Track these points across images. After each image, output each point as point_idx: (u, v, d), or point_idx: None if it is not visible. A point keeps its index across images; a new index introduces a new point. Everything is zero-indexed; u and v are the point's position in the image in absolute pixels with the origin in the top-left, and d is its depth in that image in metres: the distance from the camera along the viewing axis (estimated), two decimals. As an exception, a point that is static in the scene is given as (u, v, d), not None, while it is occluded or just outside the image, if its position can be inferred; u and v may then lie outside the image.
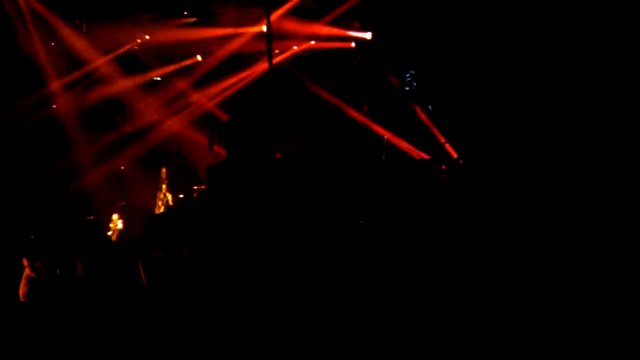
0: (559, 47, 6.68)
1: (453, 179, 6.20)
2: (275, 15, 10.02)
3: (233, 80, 10.92)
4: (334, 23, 10.71)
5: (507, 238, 4.80)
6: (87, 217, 9.58)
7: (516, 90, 7.02)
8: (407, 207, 5.58)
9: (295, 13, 10.42)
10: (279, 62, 10.61)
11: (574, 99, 6.48)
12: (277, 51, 10.75)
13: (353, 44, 10.86)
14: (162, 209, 10.28)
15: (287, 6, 10.31)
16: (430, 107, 9.61)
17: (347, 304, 4.83)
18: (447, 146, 8.66)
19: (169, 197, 10.40)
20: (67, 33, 9.79)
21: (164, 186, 10.49)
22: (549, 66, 6.71)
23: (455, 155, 8.23)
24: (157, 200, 10.42)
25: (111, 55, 10.26)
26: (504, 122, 7.01)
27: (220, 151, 8.96)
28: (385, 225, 5.75)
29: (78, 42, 9.92)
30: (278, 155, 7.38)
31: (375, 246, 5.52)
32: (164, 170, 10.81)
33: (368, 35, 10.56)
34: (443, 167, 6.47)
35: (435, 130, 9.24)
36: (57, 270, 6.80)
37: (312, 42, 10.94)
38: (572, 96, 6.43)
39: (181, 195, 10.38)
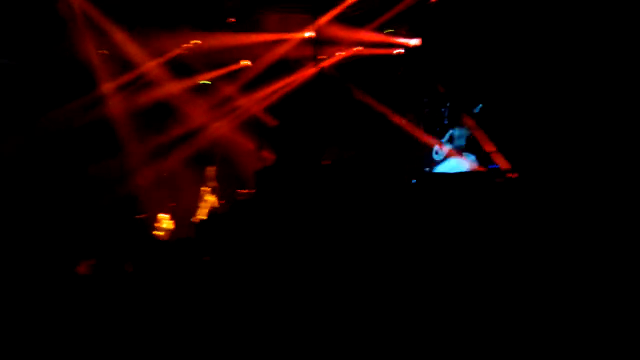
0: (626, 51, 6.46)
1: (507, 192, 6.07)
2: (321, 21, 10.09)
3: (280, 85, 11.02)
4: (380, 29, 10.70)
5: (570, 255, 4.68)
6: (138, 217, 9.80)
7: (579, 96, 6.81)
8: (458, 220, 5.49)
9: (341, 19, 10.46)
10: (326, 68, 10.65)
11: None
12: (323, 57, 10.79)
13: (400, 51, 10.80)
14: (204, 211, 10.41)
15: (334, 12, 10.36)
16: (477, 108, 9.41)
17: (398, 312, 4.79)
18: (498, 156, 8.49)
19: (212, 199, 10.54)
20: (119, 37, 10.06)
21: (206, 189, 10.64)
22: (617, 71, 6.49)
23: (508, 166, 8.06)
24: (200, 202, 10.57)
25: (161, 59, 10.50)
26: (563, 131, 6.82)
27: (268, 156, 9.05)
28: (433, 236, 5.68)
29: (130, 46, 10.19)
30: (325, 162, 7.41)
31: (422, 258, 5.46)
32: (208, 172, 10.97)
33: (416, 42, 10.47)
34: (498, 180, 6.34)
35: (486, 139, 9.08)
36: (108, 269, 6.97)
37: (359, 48, 10.94)
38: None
39: (221, 200, 10.47)
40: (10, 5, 9.11)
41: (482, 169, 8.56)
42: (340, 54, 10.99)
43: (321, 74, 8.49)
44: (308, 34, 10.57)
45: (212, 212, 9.89)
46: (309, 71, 10.72)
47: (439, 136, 9.95)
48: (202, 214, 10.30)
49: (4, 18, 9.12)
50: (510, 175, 6.85)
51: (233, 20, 10.44)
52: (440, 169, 9.82)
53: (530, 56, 7.72)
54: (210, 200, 10.43)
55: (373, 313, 4.76)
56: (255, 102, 11.03)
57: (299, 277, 5.53)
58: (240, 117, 11.09)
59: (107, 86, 10.25)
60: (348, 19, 10.50)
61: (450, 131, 9.84)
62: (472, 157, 9.29)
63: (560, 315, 4.13)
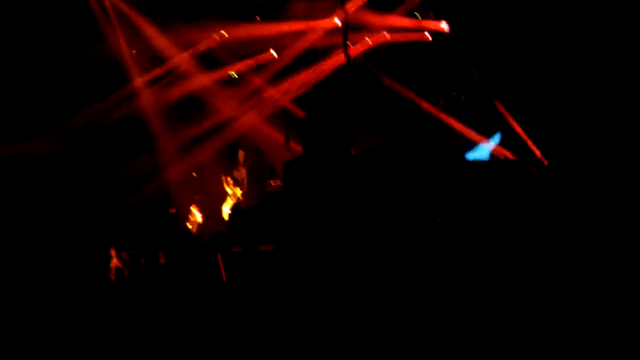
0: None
1: (539, 182, 5.90)
2: (349, 8, 9.93)
3: (308, 75, 10.94)
4: (408, 14, 10.48)
5: (597, 246, 4.54)
6: (169, 210, 9.95)
7: (610, 86, 6.59)
8: (488, 210, 5.38)
9: (368, 5, 10.29)
10: (354, 56, 10.52)
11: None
12: (350, 44, 10.64)
13: (429, 36, 10.59)
14: (230, 202, 10.44)
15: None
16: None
17: (428, 302, 4.74)
18: (531, 144, 8.25)
19: (238, 192, 10.56)
20: (149, 31, 10.16)
21: (230, 179, 10.68)
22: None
23: (539, 155, 7.83)
24: (228, 195, 10.61)
25: (190, 52, 10.56)
26: (595, 119, 6.61)
27: (297, 147, 9.02)
28: (463, 228, 5.57)
29: (160, 40, 10.28)
30: (353, 152, 7.33)
31: (452, 248, 5.37)
32: (236, 164, 11.04)
33: (444, 26, 10.24)
34: (534, 169, 6.16)
35: (518, 128, 8.83)
36: (141, 261, 7.10)
37: (387, 35, 10.76)
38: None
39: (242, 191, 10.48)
40: (45, 7, 9.32)
41: (513, 157, 8.36)
42: (368, 41, 10.84)
43: (350, 62, 8.38)
44: (336, 20, 10.45)
45: (236, 204, 9.93)
46: (337, 60, 10.61)
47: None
48: (227, 207, 10.35)
49: (40, 20, 9.35)
50: (542, 164, 6.67)
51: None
52: (473, 155, 9.62)
53: (563, 46, 7.50)
54: (235, 192, 10.47)
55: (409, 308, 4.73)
56: (284, 93, 11.00)
57: (330, 266, 5.52)
58: (268, 109, 11.09)
59: (139, 81, 10.38)
60: (375, 4, 10.33)
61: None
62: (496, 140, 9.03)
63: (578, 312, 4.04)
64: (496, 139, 9.30)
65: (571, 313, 4.07)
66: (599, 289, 4.16)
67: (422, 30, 10.57)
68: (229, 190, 10.50)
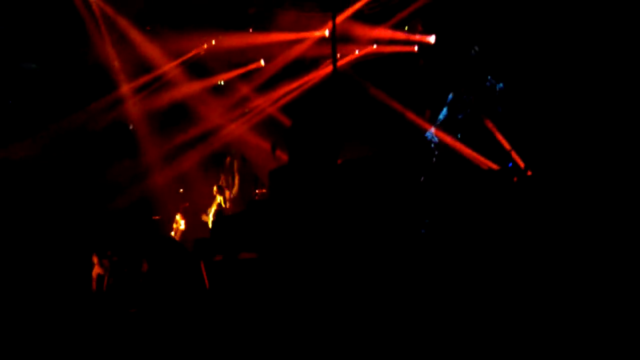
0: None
1: (522, 191, 5.96)
2: (338, 20, 10.01)
3: (295, 84, 11.00)
4: (396, 27, 10.61)
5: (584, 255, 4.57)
6: (153, 217, 9.89)
7: (595, 93, 6.68)
8: (473, 220, 5.40)
9: (357, 17, 10.39)
10: (341, 67, 10.60)
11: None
12: (338, 55, 10.73)
13: (416, 48, 10.70)
14: (213, 209, 10.40)
15: (350, 10, 10.30)
16: (499, 108, 9.25)
17: (413, 310, 4.73)
18: (514, 154, 8.33)
19: (220, 198, 10.54)
20: (137, 38, 10.15)
21: (215, 188, 10.65)
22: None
23: (522, 165, 7.91)
24: (212, 203, 10.58)
25: (178, 60, 10.56)
26: (580, 128, 6.68)
27: (283, 156, 9.03)
28: (449, 237, 5.59)
29: (148, 47, 10.28)
30: (339, 161, 7.33)
31: (437, 256, 5.38)
32: (221, 173, 11.02)
33: (432, 39, 10.38)
34: (515, 179, 6.22)
35: (501, 137, 8.93)
36: (124, 268, 7.03)
37: (374, 46, 10.87)
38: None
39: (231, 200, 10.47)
40: (35, 12, 9.30)
41: (495, 167, 8.43)
42: (356, 53, 10.94)
43: (337, 73, 8.43)
44: (324, 32, 10.53)
45: (219, 211, 9.89)
46: (325, 70, 10.69)
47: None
48: (211, 214, 10.32)
49: (30, 25, 9.32)
50: (525, 173, 6.72)
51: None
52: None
53: (546, 53, 7.60)
54: (219, 200, 10.45)
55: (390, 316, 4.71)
56: (271, 102, 11.03)
57: (314, 273, 5.50)
58: (255, 118, 11.11)
59: (125, 87, 10.35)
60: (364, 17, 10.44)
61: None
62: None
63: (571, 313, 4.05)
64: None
65: (558, 317, 4.09)
66: (584, 300, 4.18)
67: (410, 43, 10.70)
68: (216, 198, 10.48)
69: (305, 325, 4.85)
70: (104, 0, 9.71)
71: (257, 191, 9.98)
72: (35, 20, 9.34)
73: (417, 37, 10.59)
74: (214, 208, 10.27)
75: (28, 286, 6.36)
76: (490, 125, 9.16)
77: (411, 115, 10.29)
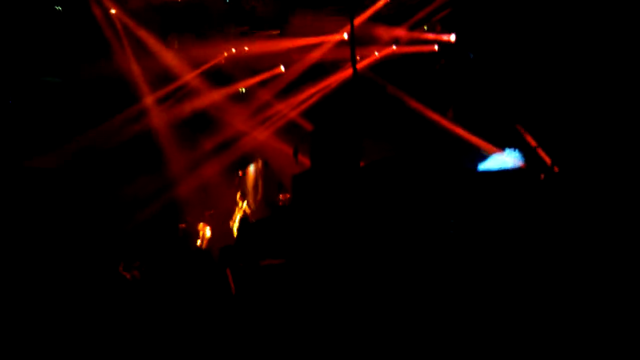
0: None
1: (550, 189, 5.84)
2: (356, 22, 9.97)
3: (316, 89, 10.99)
4: (415, 27, 10.52)
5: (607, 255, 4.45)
6: (179, 226, 9.96)
7: (618, 90, 6.53)
8: (500, 220, 5.31)
9: (376, 19, 10.34)
10: (361, 69, 10.55)
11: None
12: (358, 58, 10.67)
13: (436, 47, 10.60)
14: (238, 216, 10.43)
15: (368, 12, 10.26)
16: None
17: (442, 313, 4.67)
18: (540, 151, 8.16)
19: (244, 204, 10.55)
20: (158, 49, 10.28)
21: (238, 194, 10.68)
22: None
23: (549, 162, 7.73)
24: (236, 207, 10.61)
25: (199, 70, 10.66)
26: (605, 125, 6.53)
27: (305, 160, 9.03)
28: (475, 238, 5.50)
29: (169, 57, 10.40)
30: (362, 164, 7.30)
31: (465, 258, 5.30)
32: (245, 179, 11.04)
33: (452, 38, 10.25)
34: (542, 176, 6.10)
35: (527, 134, 8.76)
36: (152, 277, 7.09)
37: (394, 47, 10.80)
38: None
39: (243, 205, 10.46)
40: (57, 26, 9.49)
41: (523, 165, 8.26)
42: (375, 54, 10.88)
43: (357, 76, 8.40)
44: (343, 35, 10.51)
45: (244, 218, 9.90)
46: (345, 73, 10.65)
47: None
48: (236, 220, 10.34)
49: (52, 39, 9.51)
50: (552, 170, 6.58)
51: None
52: (484, 166, 9.54)
53: (568, 53, 7.46)
54: (243, 206, 10.46)
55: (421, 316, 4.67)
56: (293, 107, 11.04)
57: (340, 278, 5.47)
58: (278, 123, 11.12)
59: (149, 99, 10.49)
60: (383, 17, 10.38)
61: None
62: (514, 153, 8.98)
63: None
64: (511, 152, 9.22)
65: (580, 320, 3.99)
66: (610, 296, 4.08)
67: (430, 42, 10.60)
68: (240, 204, 10.51)
69: (331, 329, 4.83)
70: (125, 13, 9.86)
71: (280, 196, 9.98)
72: (57, 34, 9.53)
73: (437, 36, 10.47)
74: (239, 215, 10.30)
75: (55, 296, 6.45)
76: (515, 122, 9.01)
77: (434, 115, 10.19)
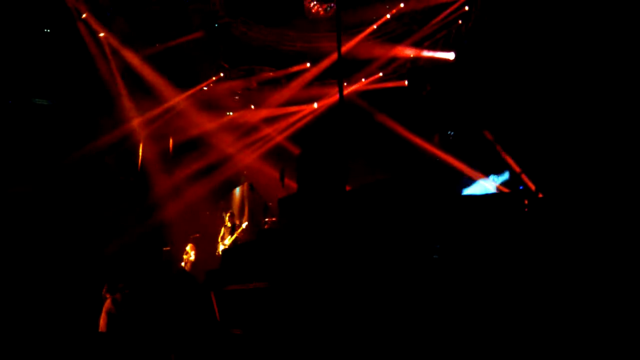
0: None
1: (534, 214, 5.90)
2: (353, 43, 10.05)
3: (303, 113, 11.08)
4: (416, 45, 10.54)
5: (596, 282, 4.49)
6: (164, 248, 9.86)
7: (603, 118, 6.67)
8: (485, 244, 5.34)
9: (376, 37, 10.41)
10: (348, 95, 10.66)
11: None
12: (345, 84, 10.81)
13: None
14: (225, 239, 10.38)
15: (362, 35, 10.28)
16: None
17: (423, 343, 4.65)
18: (524, 177, 8.27)
19: (230, 227, 10.50)
20: (147, 72, 10.33)
21: (226, 217, 10.63)
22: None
23: (533, 188, 7.84)
24: (223, 230, 10.56)
25: (188, 92, 10.71)
26: (590, 150, 6.64)
27: (292, 184, 9.05)
28: (461, 263, 5.52)
29: (157, 81, 10.44)
30: (348, 188, 7.33)
31: (449, 284, 5.31)
32: (231, 203, 10.99)
33: (450, 56, 10.27)
34: (525, 201, 6.16)
35: (510, 160, 8.87)
36: (136, 300, 6.99)
37: (380, 74, 10.92)
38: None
39: (243, 226, 10.42)
40: (46, 49, 9.51)
41: (506, 190, 8.36)
42: (362, 81, 11.00)
43: (343, 102, 8.48)
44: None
45: (235, 242, 9.86)
46: (332, 98, 10.74)
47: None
48: (223, 244, 10.30)
49: (43, 63, 9.51)
50: (536, 196, 6.67)
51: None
52: (468, 191, 9.64)
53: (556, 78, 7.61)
54: (226, 229, 10.41)
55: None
56: (279, 131, 11.10)
57: (325, 303, 5.45)
58: (263, 146, 11.16)
59: (136, 121, 10.48)
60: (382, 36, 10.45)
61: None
62: (498, 179, 9.10)
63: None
64: (495, 178, 9.33)
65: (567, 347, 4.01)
66: (599, 330, 4.10)
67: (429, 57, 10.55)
68: (228, 225, 10.46)
69: (317, 352, 4.78)
70: (111, 35, 9.91)
71: (266, 219, 9.96)
72: (46, 56, 9.53)
73: (436, 54, 10.46)
74: (227, 238, 10.26)
75: (41, 319, 6.35)
76: (499, 148, 9.12)
77: (419, 141, 10.28)
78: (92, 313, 6.79)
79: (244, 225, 10.38)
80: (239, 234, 10.31)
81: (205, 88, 10.86)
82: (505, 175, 9.25)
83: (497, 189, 8.67)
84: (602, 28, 7.22)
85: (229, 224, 10.40)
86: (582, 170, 6.59)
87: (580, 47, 7.36)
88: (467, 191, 9.66)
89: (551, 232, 5.19)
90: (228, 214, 10.55)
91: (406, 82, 10.66)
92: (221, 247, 10.20)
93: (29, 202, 8.89)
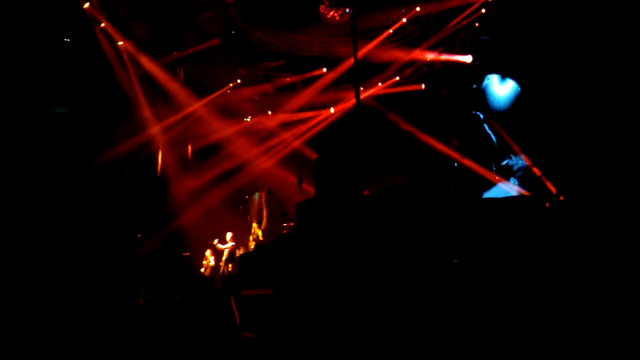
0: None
1: (556, 218, 5.82)
2: (369, 47, 10.04)
3: (320, 118, 11.08)
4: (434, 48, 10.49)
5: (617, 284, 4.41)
6: (184, 254, 9.92)
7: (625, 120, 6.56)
8: (506, 248, 5.28)
9: (393, 41, 10.38)
10: (365, 99, 10.64)
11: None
12: (362, 88, 10.78)
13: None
14: (252, 244, 10.42)
15: (378, 39, 10.26)
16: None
17: (445, 342, 4.61)
18: (545, 180, 8.15)
19: (259, 232, 10.54)
20: (165, 79, 10.41)
21: (254, 224, 10.66)
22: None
23: (554, 191, 7.72)
24: (249, 235, 10.58)
25: (206, 99, 10.78)
26: (611, 153, 6.53)
27: (310, 189, 9.05)
28: (481, 267, 5.46)
29: (175, 87, 10.53)
30: (366, 192, 7.31)
31: (470, 287, 5.25)
32: (250, 207, 11.01)
33: (468, 59, 10.20)
34: (547, 204, 6.07)
35: (531, 163, 8.77)
36: (157, 306, 7.05)
37: (397, 78, 10.88)
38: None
39: (259, 231, 10.42)
40: (65, 58, 9.64)
41: (527, 193, 8.25)
42: (379, 85, 10.97)
43: (360, 106, 8.47)
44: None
45: (258, 245, 9.88)
46: (348, 103, 10.74)
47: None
48: (246, 248, 10.33)
49: (61, 71, 9.65)
50: (557, 198, 6.57)
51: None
52: (489, 194, 9.53)
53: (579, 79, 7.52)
54: (253, 234, 10.43)
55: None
56: (296, 136, 11.11)
57: (342, 307, 5.43)
58: (281, 152, 11.18)
59: (155, 128, 10.57)
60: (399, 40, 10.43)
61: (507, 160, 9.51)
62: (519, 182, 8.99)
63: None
64: (516, 181, 9.22)
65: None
66: (611, 331, 4.03)
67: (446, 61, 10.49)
68: (253, 230, 10.48)
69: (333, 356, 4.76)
70: (132, 45, 10.01)
71: (284, 224, 9.96)
72: (65, 65, 9.67)
73: (454, 57, 10.40)
74: (250, 243, 10.27)
75: (65, 324, 6.43)
76: (518, 150, 9.02)
77: (437, 144, 10.21)
78: (112, 316, 6.85)
79: (258, 230, 10.39)
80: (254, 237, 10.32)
81: (225, 94, 10.92)
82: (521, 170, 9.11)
83: (518, 192, 8.56)
84: (624, 30, 7.13)
85: (259, 232, 10.37)
86: (604, 173, 6.48)
87: (603, 47, 7.26)
88: (487, 194, 9.56)
89: (573, 235, 5.12)
90: (255, 222, 10.54)
91: (423, 86, 10.62)
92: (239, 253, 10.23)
93: (52, 208, 9.01)
